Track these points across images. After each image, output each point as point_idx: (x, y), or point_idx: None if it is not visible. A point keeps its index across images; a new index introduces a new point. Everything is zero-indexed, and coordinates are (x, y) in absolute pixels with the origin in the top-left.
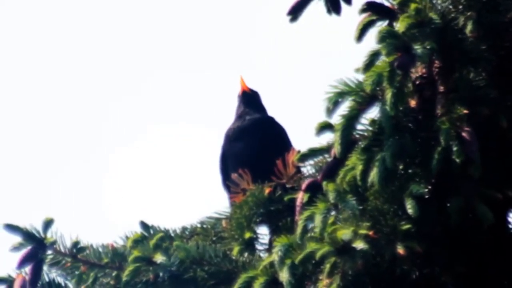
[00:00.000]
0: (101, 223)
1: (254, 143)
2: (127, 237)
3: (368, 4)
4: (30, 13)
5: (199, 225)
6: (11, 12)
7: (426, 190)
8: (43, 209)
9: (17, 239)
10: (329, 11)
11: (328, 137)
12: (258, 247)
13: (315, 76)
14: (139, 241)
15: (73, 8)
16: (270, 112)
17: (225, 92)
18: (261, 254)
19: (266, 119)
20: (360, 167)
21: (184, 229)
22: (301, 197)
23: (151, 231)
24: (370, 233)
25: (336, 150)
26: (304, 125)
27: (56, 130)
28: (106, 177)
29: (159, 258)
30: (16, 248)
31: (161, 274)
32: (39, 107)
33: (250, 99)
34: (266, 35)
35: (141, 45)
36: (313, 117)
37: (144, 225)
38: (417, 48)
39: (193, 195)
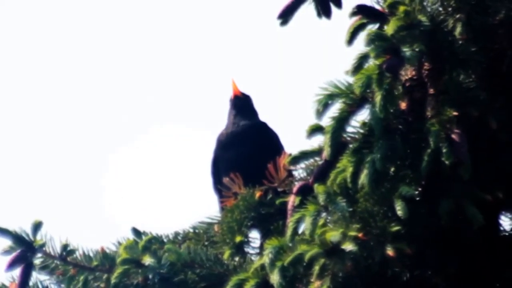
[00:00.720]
0: (94, 226)
1: (246, 149)
2: (119, 243)
3: (358, 7)
4: (32, 13)
5: (191, 230)
6: (11, 12)
7: (416, 191)
8: (34, 212)
9: (7, 242)
10: (319, 15)
11: (319, 140)
12: (250, 251)
13: (306, 78)
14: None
15: (76, 8)
16: (262, 115)
17: (221, 94)
18: (253, 258)
19: (259, 125)
20: (350, 169)
21: (176, 234)
22: (292, 200)
23: (143, 237)
24: (360, 234)
25: (325, 152)
26: (296, 127)
27: (48, 133)
28: (99, 181)
29: (148, 260)
30: (7, 251)
31: (150, 276)
32: (36, 107)
33: (242, 104)
34: (257, 38)
35: (142, 46)
36: (305, 119)
37: (136, 232)
38: (406, 50)
39: (187, 199)
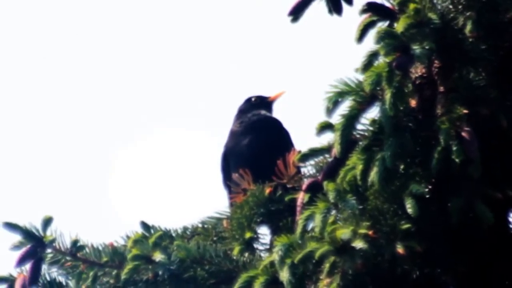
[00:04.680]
0: (103, 222)
1: (259, 139)
2: (128, 237)
3: (368, 4)
4: (34, 13)
5: (200, 225)
6: (12, 12)
7: (426, 189)
8: (44, 208)
9: (17, 237)
10: (330, 12)
11: (328, 137)
12: (259, 247)
13: (316, 76)
14: (139, 241)
15: (81, 8)
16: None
17: (227, 95)
18: (262, 254)
19: (274, 119)
20: (360, 167)
21: (185, 229)
22: (301, 197)
23: (152, 231)
24: (370, 232)
25: (336, 150)
26: (305, 125)
27: (58, 129)
28: (108, 176)
29: (158, 256)
30: (17, 246)
31: (160, 272)
32: (40, 106)
33: (269, 108)
34: (267, 35)
35: (146, 47)
36: (314, 117)
37: (144, 225)
38: (416, 48)
39: (195, 195)
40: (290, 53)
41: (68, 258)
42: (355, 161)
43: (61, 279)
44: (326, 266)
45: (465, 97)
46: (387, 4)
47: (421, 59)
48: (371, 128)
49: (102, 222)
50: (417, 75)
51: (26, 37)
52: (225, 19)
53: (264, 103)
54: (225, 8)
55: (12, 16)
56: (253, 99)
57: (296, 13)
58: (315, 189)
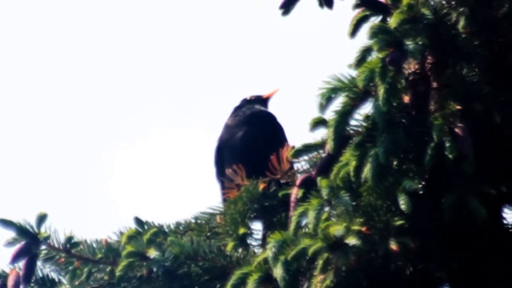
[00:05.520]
0: (98, 218)
1: (253, 132)
2: (121, 233)
3: None
4: (34, 14)
5: (193, 221)
6: (12, 12)
7: (420, 185)
8: (38, 205)
9: (11, 234)
10: (321, 5)
11: (322, 133)
12: (252, 242)
13: (308, 71)
14: (133, 237)
15: (78, 10)
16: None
17: (224, 94)
18: (256, 250)
19: (268, 113)
20: (353, 163)
21: (178, 224)
22: (295, 192)
23: (146, 227)
24: (363, 229)
25: (329, 146)
26: (299, 121)
27: (53, 127)
28: (102, 173)
29: (153, 253)
30: (10, 243)
31: (154, 269)
32: (38, 104)
33: (265, 105)
34: (258, 29)
35: (146, 48)
36: (308, 112)
37: (138, 221)
38: (409, 43)
39: (188, 190)
40: (283, 50)
41: (62, 254)
42: (348, 157)
43: (54, 275)
44: (320, 262)
45: (459, 93)
46: None
47: (414, 54)
48: (364, 124)
49: (97, 218)
50: (410, 71)
51: (26, 38)
52: (224, 19)
53: (260, 100)
54: (224, 8)
55: (12, 16)
56: (248, 98)
57: (287, 6)
58: (309, 185)
